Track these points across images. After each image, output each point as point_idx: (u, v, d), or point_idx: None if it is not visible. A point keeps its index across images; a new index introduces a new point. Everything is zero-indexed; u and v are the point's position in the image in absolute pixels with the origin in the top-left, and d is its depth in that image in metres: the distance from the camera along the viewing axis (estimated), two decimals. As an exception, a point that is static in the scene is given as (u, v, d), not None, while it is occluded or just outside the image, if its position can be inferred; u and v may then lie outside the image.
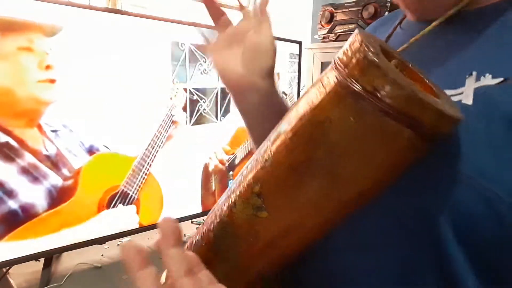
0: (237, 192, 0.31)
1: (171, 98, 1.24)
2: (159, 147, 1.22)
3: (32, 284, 1.08)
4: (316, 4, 2.04)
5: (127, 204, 1.17)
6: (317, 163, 0.26)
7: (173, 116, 1.24)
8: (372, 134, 0.24)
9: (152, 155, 1.21)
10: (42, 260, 1.10)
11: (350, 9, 1.60)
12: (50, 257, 1.10)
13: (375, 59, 0.23)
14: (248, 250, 0.30)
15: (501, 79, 0.27)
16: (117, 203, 1.15)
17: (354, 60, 0.24)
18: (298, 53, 1.65)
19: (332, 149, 0.25)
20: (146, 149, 1.19)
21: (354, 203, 0.28)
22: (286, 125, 0.28)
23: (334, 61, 0.26)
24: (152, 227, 1.27)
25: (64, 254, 1.20)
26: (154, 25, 1.17)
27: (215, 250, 0.32)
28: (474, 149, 0.26)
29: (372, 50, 0.24)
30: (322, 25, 1.69)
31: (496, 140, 0.25)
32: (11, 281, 1.05)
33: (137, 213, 1.20)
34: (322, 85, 0.26)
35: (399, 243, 0.29)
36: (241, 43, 0.46)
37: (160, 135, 1.22)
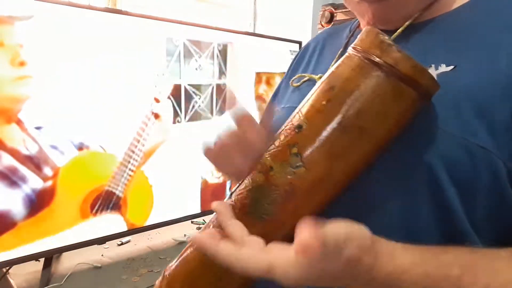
0: (271, 158, 0.38)
1: (155, 86, 1.21)
2: (145, 141, 1.20)
3: (32, 284, 1.08)
4: (316, 4, 2.03)
5: (112, 205, 1.15)
6: (348, 121, 0.34)
7: (152, 109, 1.21)
8: (389, 95, 0.34)
9: (139, 150, 1.19)
10: (42, 260, 1.10)
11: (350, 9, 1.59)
12: (50, 257, 1.10)
13: (391, 42, 0.34)
14: (284, 206, 0.36)
15: (452, 66, 0.38)
16: (102, 205, 1.12)
17: (374, 43, 0.34)
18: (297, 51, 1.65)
19: (360, 109, 0.34)
20: (130, 145, 1.17)
21: (374, 154, 0.36)
22: (316, 97, 0.37)
23: (353, 48, 0.36)
24: (152, 227, 1.27)
25: (64, 254, 1.20)
26: (150, 23, 1.17)
27: (251, 212, 0.38)
28: (447, 112, 0.36)
29: (386, 36, 0.34)
30: (322, 25, 1.69)
31: (459, 104, 0.36)
32: (11, 281, 1.05)
33: (123, 214, 1.18)
34: (346, 64, 0.36)
35: (404, 187, 0.38)
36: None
37: (144, 131, 1.19)
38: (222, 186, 1.47)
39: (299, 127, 0.37)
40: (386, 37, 0.34)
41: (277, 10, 2.20)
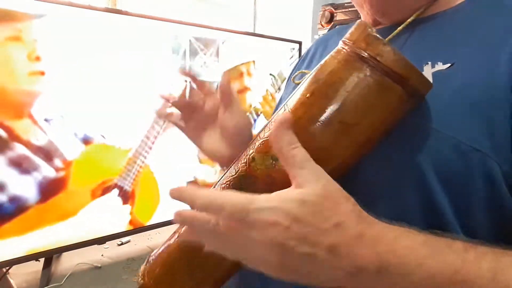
0: (255, 149, 0.37)
1: (171, 84, 1.24)
2: (154, 138, 1.21)
3: (32, 284, 1.08)
4: (316, 4, 2.04)
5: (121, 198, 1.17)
6: (330, 114, 0.33)
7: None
8: (373, 90, 0.33)
9: (148, 147, 1.20)
10: (42, 260, 1.10)
11: (350, 9, 1.60)
12: (50, 257, 1.10)
13: (377, 34, 0.33)
14: None
15: (449, 64, 0.37)
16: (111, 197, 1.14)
17: (361, 36, 0.33)
18: (298, 49, 1.66)
19: (342, 103, 0.33)
20: (141, 141, 1.18)
21: (358, 151, 0.35)
22: (302, 90, 0.36)
23: (342, 41, 0.35)
24: (152, 227, 1.27)
25: (64, 254, 1.20)
26: (154, 20, 1.17)
27: None
28: (440, 111, 0.35)
29: (374, 29, 0.33)
30: (322, 25, 1.70)
31: (454, 103, 0.35)
32: (11, 281, 1.05)
33: (131, 206, 1.20)
34: (333, 57, 0.35)
35: (394, 188, 0.37)
36: (214, 123, 0.54)
37: (156, 125, 1.21)
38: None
39: None
40: (374, 30, 0.33)
41: (277, 10, 2.20)
